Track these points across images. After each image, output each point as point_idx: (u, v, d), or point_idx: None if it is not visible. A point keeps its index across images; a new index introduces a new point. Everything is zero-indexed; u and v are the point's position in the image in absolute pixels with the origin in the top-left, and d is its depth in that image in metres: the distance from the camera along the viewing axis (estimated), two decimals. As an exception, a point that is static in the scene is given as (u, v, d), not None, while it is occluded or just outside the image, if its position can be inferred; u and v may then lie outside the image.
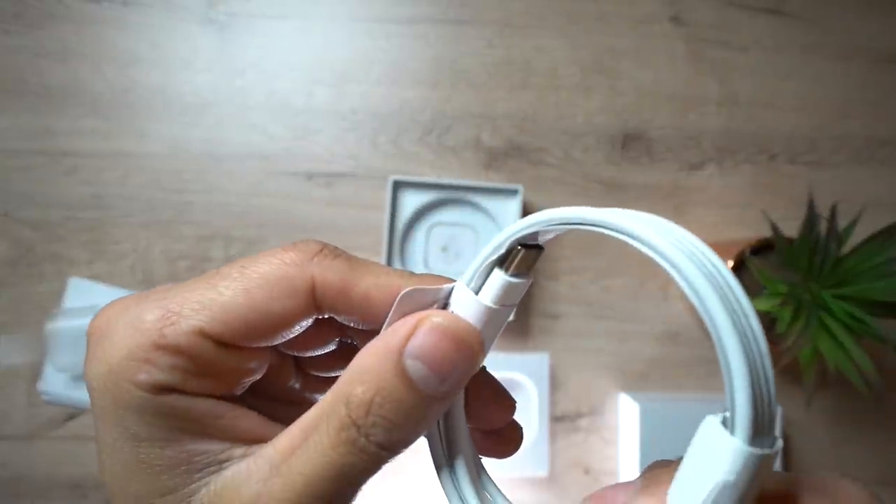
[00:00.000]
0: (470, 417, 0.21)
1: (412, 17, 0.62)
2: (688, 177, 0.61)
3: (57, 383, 0.57)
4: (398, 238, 0.58)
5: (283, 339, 0.19)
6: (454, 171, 0.61)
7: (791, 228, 0.52)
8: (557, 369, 0.59)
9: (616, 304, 0.60)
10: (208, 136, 0.60)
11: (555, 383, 0.59)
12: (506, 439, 0.21)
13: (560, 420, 0.59)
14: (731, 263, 0.52)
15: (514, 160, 0.61)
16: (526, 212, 0.60)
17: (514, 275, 0.18)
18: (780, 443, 0.14)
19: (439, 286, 0.19)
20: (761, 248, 0.52)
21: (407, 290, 0.18)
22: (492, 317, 0.18)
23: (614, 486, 0.17)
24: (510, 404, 0.21)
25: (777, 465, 0.55)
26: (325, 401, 0.17)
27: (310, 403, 0.21)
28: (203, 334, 0.17)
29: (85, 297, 0.58)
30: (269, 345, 0.19)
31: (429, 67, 0.61)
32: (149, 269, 0.59)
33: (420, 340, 0.17)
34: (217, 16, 0.61)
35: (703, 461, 0.14)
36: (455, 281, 0.19)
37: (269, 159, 0.60)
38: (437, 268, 0.59)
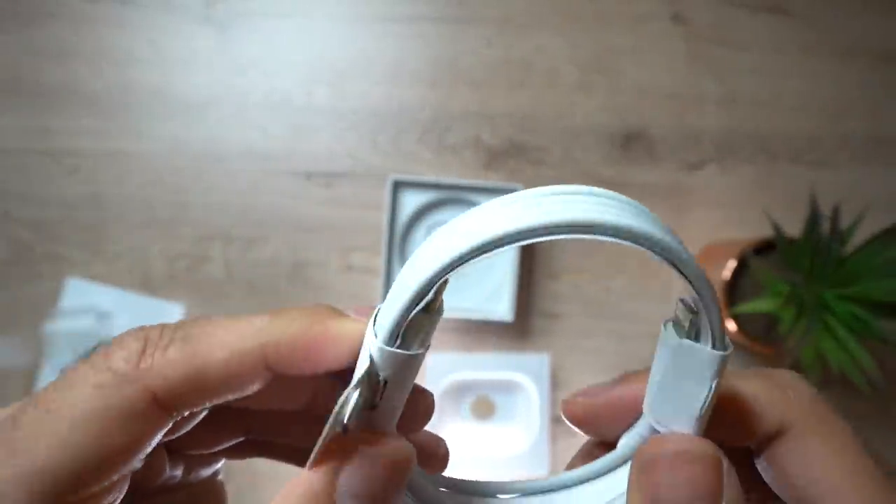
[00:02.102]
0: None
1: (412, 15, 0.61)
2: (688, 176, 0.61)
3: (54, 384, 0.57)
4: (398, 238, 0.57)
5: (136, 465, 0.16)
6: (454, 170, 0.60)
7: (793, 228, 0.52)
8: (558, 369, 0.59)
9: (616, 303, 0.60)
10: (207, 136, 0.60)
11: (555, 383, 0.59)
12: (428, 454, 0.19)
13: (560, 421, 0.59)
14: (733, 264, 0.51)
15: (514, 160, 0.61)
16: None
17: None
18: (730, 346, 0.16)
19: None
20: (763, 249, 0.52)
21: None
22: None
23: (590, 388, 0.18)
24: (428, 403, 0.18)
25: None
26: None
27: (187, 486, 0.19)
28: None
29: (83, 297, 0.58)
30: (120, 475, 0.15)
31: (428, 66, 0.61)
32: (147, 270, 0.59)
33: (351, 477, 0.15)
34: (216, 14, 0.61)
35: (684, 373, 0.16)
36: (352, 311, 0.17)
37: (268, 159, 0.60)
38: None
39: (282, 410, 0.19)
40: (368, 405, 0.15)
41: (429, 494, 0.18)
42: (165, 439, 0.17)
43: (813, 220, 0.49)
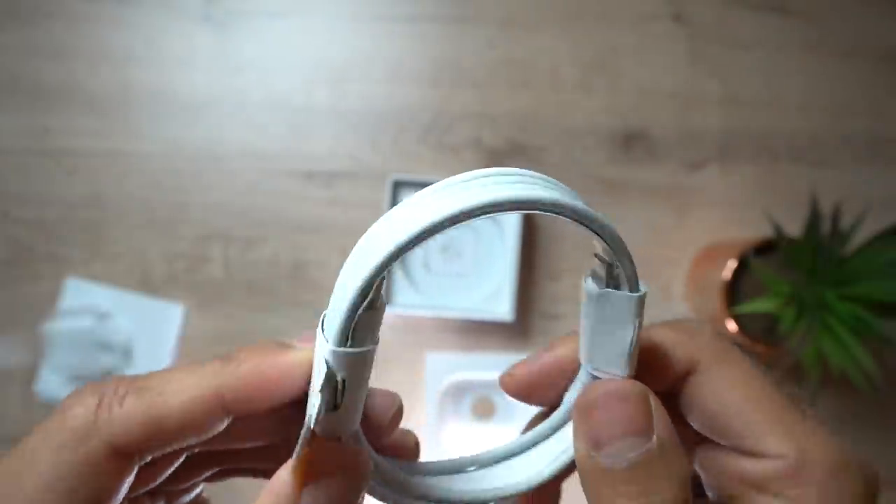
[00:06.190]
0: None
1: (413, 15, 0.61)
2: (689, 176, 0.61)
3: (54, 384, 0.57)
4: (398, 238, 0.57)
5: None
6: (454, 170, 0.60)
7: (794, 228, 0.52)
8: (558, 370, 0.59)
9: (617, 304, 0.60)
10: (206, 136, 0.60)
11: (555, 384, 0.59)
12: (400, 447, 0.20)
13: (561, 421, 0.59)
14: (733, 264, 0.51)
15: (515, 160, 0.60)
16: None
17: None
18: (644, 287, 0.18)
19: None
20: (764, 249, 0.52)
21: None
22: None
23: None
24: (393, 399, 0.20)
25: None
26: None
27: None
28: None
29: (82, 297, 0.58)
30: None
31: (429, 66, 0.61)
32: (147, 270, 0.59)
33: (313, 491, 0.16)
34: (215, 14, 0.61)
35: (611, 319, 0.17)
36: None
37: (267, 158, 0.60)
38: (437, 268, 0.58)
39: (251, 445, 0.20)
40: (331, 407, 0.16)
41: (399, 482, 0.19)
42: (145, 488, 0.18)
43: (814, 219, 0.49)
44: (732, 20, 0.62)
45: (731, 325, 0.51)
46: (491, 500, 0.19)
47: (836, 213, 0.49)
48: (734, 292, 0.52)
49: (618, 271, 0.17)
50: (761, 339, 0.52)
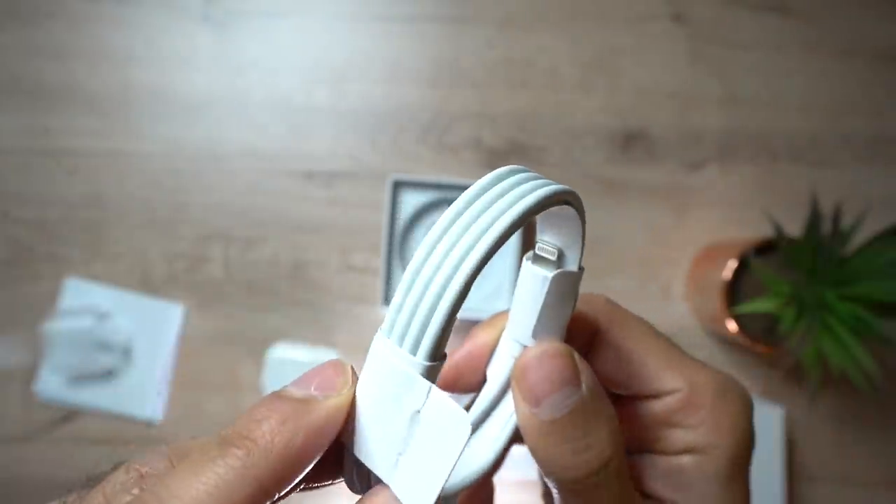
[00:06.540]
0: None
1: (412, 15, 0.61)
2: (689, 176, 0.61)
3: (53, 384, 0.57)
4: (398, 238, 0.57)
5: None
6: (454, 170, 0.60)
7: (794, 228, 0.52)
8: (558, 370, 0.59)
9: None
10: (207, 136, 0.60)
11: (555, 384, 0.59)
12: None
13: (561, 421, 0.59)
14: (733, 264, 0.51)
15: (515, 160, 0.60)
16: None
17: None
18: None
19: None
20: (764, 249, 0.52)
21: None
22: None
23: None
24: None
25: (780, 465, 0.55)
26: None
27: None
28: None
29: (82, 297, 0.58)
30: None
31: (429, 66, 0.61)
32: (147, 270, 0.59)
33: None
34: (215, 14, 0.61)
35: (560, 295, 0.19)
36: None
37: (267, 158, 0.60)
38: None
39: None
40: None
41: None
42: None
43: (814, 219, 0.49)
44: (732, 20, 0.62)
45: (732, 325, 0.51)
46: (457, 491, 0.20)
47: (836, 213, 0.49)
48: (734, 292, 0.52)
49: (568, 252, 0.19)
50: (761, 339, 0.52)
